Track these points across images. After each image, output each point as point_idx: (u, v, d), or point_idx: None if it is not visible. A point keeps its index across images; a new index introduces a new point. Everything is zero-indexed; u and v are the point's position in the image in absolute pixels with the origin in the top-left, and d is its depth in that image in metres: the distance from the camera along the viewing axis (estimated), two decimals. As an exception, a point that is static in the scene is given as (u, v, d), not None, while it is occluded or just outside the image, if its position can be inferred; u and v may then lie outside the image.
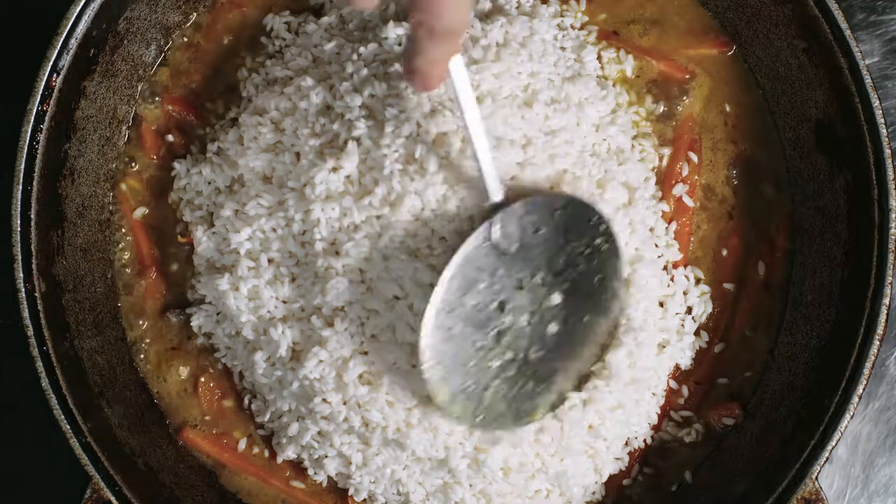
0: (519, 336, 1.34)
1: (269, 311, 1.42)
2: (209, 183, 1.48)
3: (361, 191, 1.35)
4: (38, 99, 1.36)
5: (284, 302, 1.42)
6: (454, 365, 1.31)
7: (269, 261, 1.42)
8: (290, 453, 1.48)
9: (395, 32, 1.42)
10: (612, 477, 1.49)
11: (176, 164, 1.51)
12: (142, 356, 1.52)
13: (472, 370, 1.33)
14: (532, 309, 1.34)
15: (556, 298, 1.34)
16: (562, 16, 1.52)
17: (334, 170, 1.36)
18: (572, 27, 1.52)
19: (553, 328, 1.35)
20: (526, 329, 1.34)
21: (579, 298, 1.36)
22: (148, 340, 1.52)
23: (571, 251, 1.34)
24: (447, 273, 1.27)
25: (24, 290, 1.35)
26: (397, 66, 1.39)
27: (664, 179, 1.51)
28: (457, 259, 1.28)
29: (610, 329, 1.40)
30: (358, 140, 1.36)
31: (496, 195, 1.29)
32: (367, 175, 1.35)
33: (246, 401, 1.51)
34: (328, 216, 1.36)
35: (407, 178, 1.33)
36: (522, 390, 1.36)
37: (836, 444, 1.35)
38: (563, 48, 1.49)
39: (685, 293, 1.50)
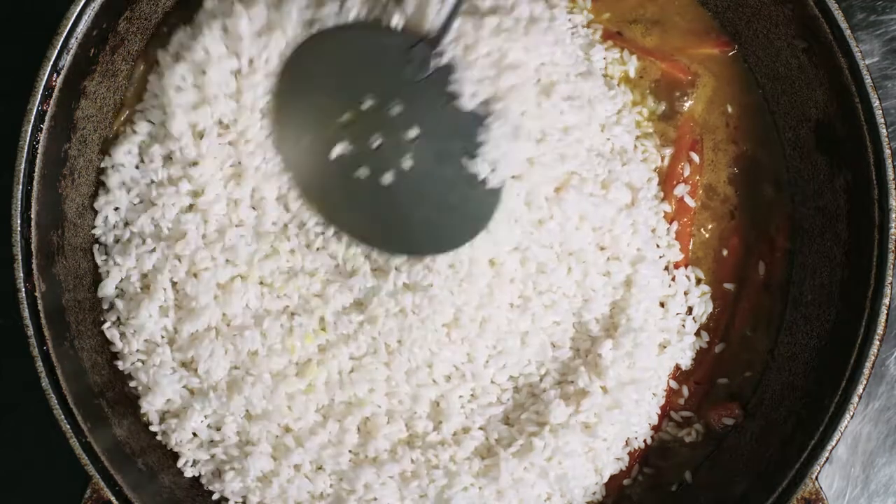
0: (367, 152, 1.33)
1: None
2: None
3: None
4: (38, 99, 1.35)
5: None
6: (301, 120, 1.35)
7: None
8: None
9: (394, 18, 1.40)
10: (612, 477, 1.49)
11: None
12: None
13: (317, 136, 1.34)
14: (389, 140, 1.33)
15: (408, 161, 1.33)
16: (570, 12, 1.52)
17: None
18: (581, 25, 1.52)
19: (404, 164, 1.34)
20: (377, 149, 1.34)
21: (440, 166, 1.34)
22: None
23: (466, 143, 1.32)
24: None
25: (24, 290, 1.34)
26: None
27: (666, 180, 1.51)
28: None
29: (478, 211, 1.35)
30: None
31: (438, 22, 1.28)
32: None
33: None
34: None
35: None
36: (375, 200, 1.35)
37: (836, 444, 1.35)
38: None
39: (686, 293, 1.50)
